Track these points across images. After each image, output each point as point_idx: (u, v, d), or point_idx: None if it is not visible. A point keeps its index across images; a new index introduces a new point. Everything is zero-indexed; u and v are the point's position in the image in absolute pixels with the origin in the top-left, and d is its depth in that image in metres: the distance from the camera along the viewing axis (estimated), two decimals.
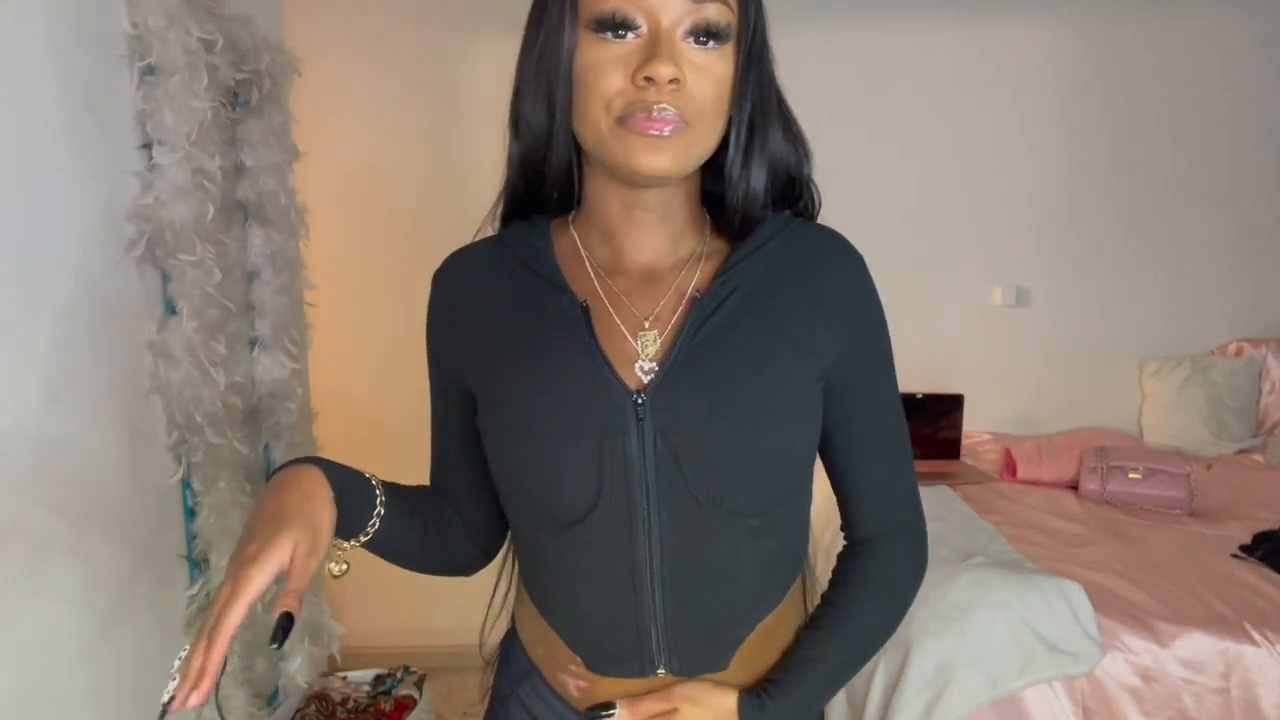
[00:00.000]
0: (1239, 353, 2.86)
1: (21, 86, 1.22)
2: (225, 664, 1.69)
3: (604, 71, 0.69)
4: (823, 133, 3.11)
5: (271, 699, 1.95)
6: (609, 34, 0.69)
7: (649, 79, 0.67)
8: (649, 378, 0.74)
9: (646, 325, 0.76)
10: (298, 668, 1.97)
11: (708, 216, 0.82)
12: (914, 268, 2.86)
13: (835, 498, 0.86)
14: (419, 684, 2.06)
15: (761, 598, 0.80)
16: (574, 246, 0.81)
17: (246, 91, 1.77)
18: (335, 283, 2.67)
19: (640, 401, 0.73)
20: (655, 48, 0.67)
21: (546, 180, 0.77)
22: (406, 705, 1.98)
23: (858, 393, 0.80)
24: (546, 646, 0.84)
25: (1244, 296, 2.89)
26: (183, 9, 1.45)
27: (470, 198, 2.82)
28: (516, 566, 0.90)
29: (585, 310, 0.75)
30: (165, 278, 1.50)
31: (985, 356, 2.89)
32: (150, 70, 1.44)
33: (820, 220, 0.83)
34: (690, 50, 0.69)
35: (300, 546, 0.69)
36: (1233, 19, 2.76)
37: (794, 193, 0.81)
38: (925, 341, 2.88)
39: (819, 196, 0.83)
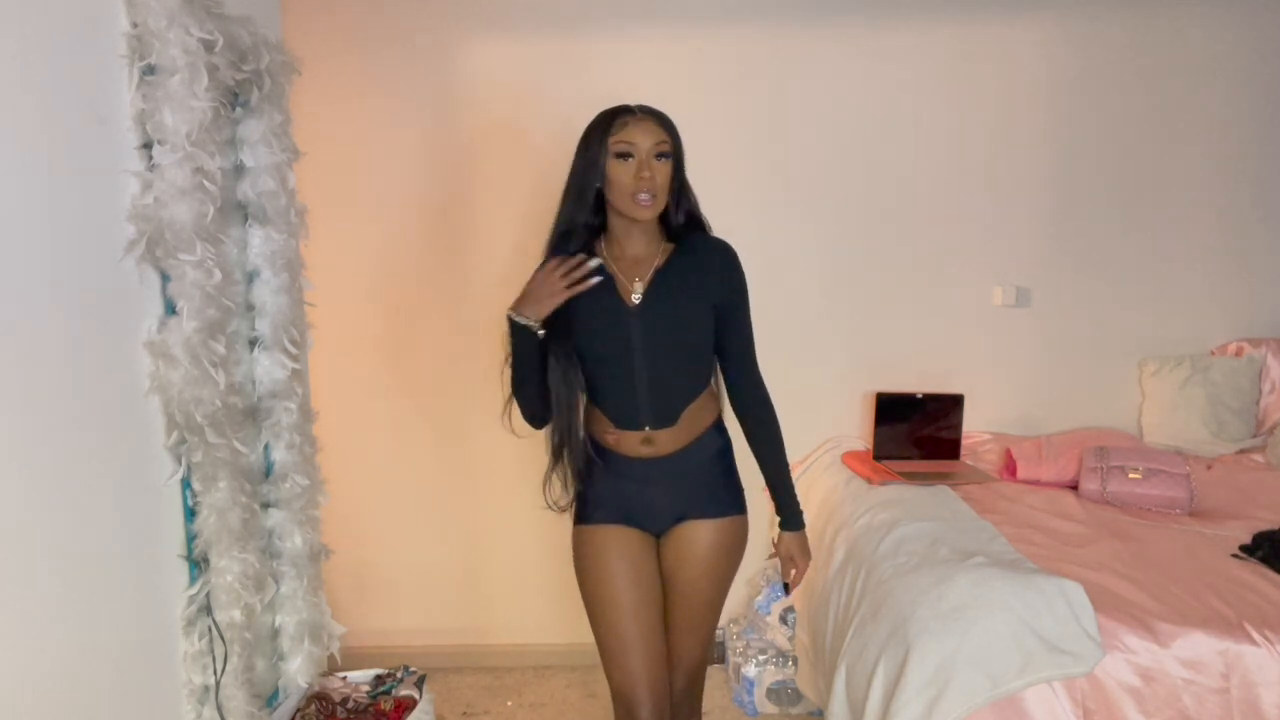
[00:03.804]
0: (1239, 353, 2.86)
1: (21, 86, 1.22)
2: (226, 662, 1.68)
3: (623, 175, 1.59)
4: (823, 133, 3.09)
5: (271, 699, 1.95)
6: (623, 159, 1.58)
7: (642, 178, 1.58)
8: (638, 299, 1.65)
9: (636, 281, 1.66)
10: (298, 668, 1.97)
11: (664, 232, 1.71)
12: (914, 268, 2.86)
13: (721, 369, 1.74)
14: (419, 684, 2.06)
15: (687, 394, 1.70)
16: (602, 254, 1.68)
17: (246, 91, 1.77)
18: (335, 283, 2.67)
19: (633, 309, 1.64)
20: (641, 165, 1.58)
21: (588, 227, 1.67)
22: (406, 705, 1.98)
23: (729, 316, 1.69)
24: (599, 424, 1.72)
25: (1244, 296, 2.89)
26: (183, 9, 1.45)
27: (470, 197, 2.83)
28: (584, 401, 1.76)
29: (611, 276, 1.66)
30: (165, 278, 1.50)
31: (985, 356, 2.89)
32: (150, 70, 1.44)
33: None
34: (655, 163, 1.59)
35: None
36: (1233, 18, 2.77)
37: (699, 223, 1.72)
38: (925, 341, 2.89)
39: (709, 225, 1.73)
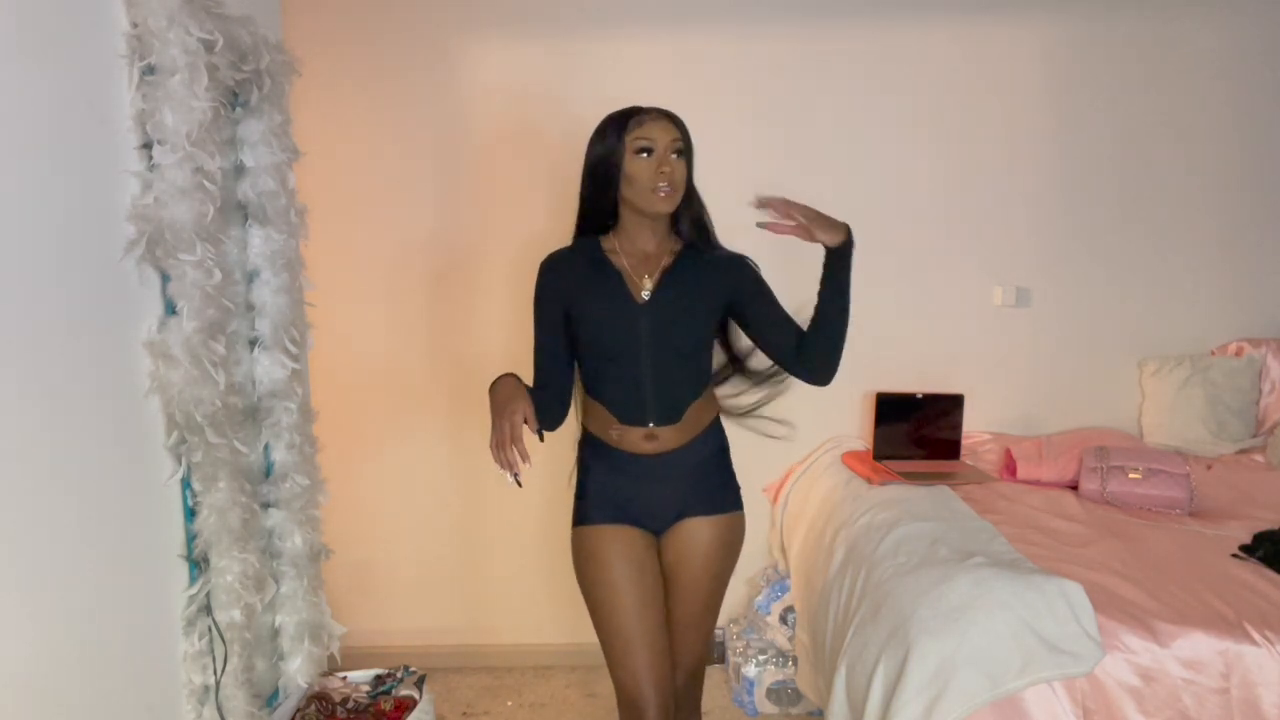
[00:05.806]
0: (1239, 353, 2.86)
1: (21, 86, 1.22)
2: (226, 662, 1.68)
3: (643, 171, 1.61)
4: (823, 133, 3.09)
5: (271, 699, 1.95)
6: (643, 155, 1.61)
7: (662, 173, 1.61)
8: (646, 296, 1.68)
9: (645, 278, 1.69)
10: (298, 668, 1.97)
11: (675, 233, 1.74)
12: (914, 268, 2.86)
13: (779, 351, 1.73)
14: (419, 684, 2.05)
15: (689, 391, 1.73)
16: (613, 248, 1.72)
17: (246, 91, 1.77)
18: (335, 283, 2.67)
19: (642, 305, 1.67)
20: (660, 160, 1.61)
21: (603, 214, 1.71)
22: (406, 705, 1.97)
23: (756, 303, 1.72)
24: (601, 420, 1.74)
25: (1244, 296, 2.89)
26: (183, 9, 1.45)
27: (469, 197, 2.83)
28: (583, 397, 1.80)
29: (620, 274, 1.70)
30: (165, 278, 1.50)
31: (985, 356, 2.89)
32: (150, 70, 1.44)
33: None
34: (672, 159, 1.61)
35: (526, 409, 1.56)
36: (1233, 18, 2.77)
37: (705, 230, 1.73)
38: (925, 341, 2.88)
39: (713, 231, 1.75)
